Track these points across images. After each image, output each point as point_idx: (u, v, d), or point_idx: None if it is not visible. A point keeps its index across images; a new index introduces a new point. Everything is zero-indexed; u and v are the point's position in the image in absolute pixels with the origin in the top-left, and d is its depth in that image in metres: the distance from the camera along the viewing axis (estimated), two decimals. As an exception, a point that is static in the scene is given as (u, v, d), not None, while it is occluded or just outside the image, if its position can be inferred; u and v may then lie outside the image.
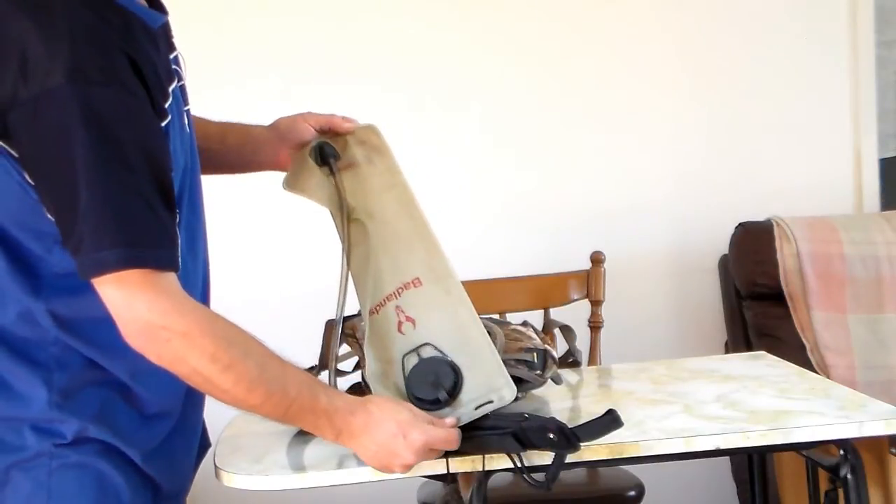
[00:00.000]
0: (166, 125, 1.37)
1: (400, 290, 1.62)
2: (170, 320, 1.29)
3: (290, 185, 1.70)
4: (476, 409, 1.55)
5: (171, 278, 1.31)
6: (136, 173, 1.28)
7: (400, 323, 1.60)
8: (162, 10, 1.46)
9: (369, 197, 1.67)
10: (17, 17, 1.27)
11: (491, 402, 1.55)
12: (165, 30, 1.46)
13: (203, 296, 1.54)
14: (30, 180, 1.30)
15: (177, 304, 1.30)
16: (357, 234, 1.65)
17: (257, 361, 1.35)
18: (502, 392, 1.56)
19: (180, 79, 1.47)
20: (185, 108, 1.49)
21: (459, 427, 1.53)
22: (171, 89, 1.40)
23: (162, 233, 1.31)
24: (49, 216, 1.31)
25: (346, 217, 1.64)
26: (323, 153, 1.67)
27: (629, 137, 3.16)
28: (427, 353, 1.58)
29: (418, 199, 1.67)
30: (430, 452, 1.48)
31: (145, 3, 1.42)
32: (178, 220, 1.40)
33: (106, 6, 1.32)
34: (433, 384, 1.55)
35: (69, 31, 1.26)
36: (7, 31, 1.28)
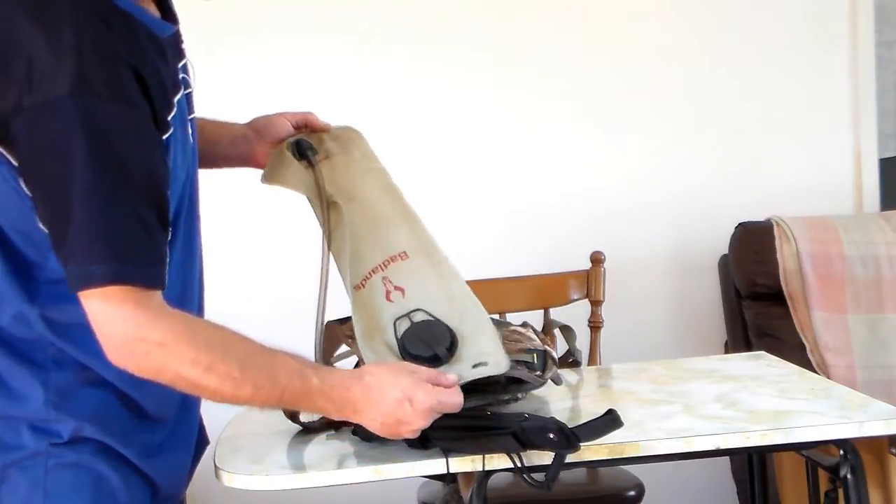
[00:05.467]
0: (168, 138, 1.37)
1: (386, 263, 1.63)
2: (145, 332, 1.30)
3: (268, 177, 1.71)
4: (473, 367, 1.56)
5: (153, 295, 1.31)
6: (133, 189, 1.29)
7: (388, 292, 1.61)
8: (172, 20, 1.47)
9: (349, 181, 1.68)
10: (27, 25, 1.28)
11: (486, 363, 1.56)
12: (175, 38, 1.46)
13: (199, 304, 1.55)
14: (25, 188, 1.30)
15: (152, 315, 1.30)
16: (335, 218, 1.66)
17: (240, 358, 1.35)
18: (497, 358, 1.57)
19: (187, 86, 1.48)
20: (190, 118, 1.49)
21: (458, 427, 1.53)
22: (175, 99, 1.40)
23: (152, 251, 1.31)
24: (41, 225, 1.31)
25: (326, 203, 1.65)
26: (301, 147, 1.69)
27: (629, 137, 3.16)
28: (419, 317, 1.59)
29: (397, 184, 1.69)
30: (437, 414, 1.47)
31: (156, 13, 1.43)
32: (174, 232, 1.42)
33: (115, 16, 1.32)
34: (429, 343, 1.56)
35: (77, 43, 1.26)
36: (16, 39, 1.28)
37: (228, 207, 2.81)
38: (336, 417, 1.46)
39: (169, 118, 1.38)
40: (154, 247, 1.31)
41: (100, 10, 1.31)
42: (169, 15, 1.47)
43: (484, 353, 1.57)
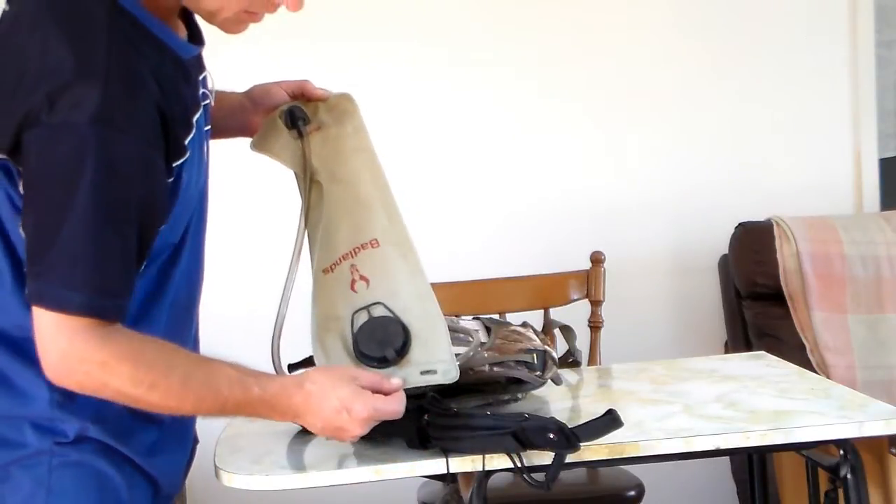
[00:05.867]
0: (182, 163, 1.38)
1: (357, 250, 1.63)
2: (89, 354, 1.30)
3: (257, 145, 1.71)
4: (422, 374, 1.57)
5: (110, 323, 1.32)
6: (126, 223, 1.30)
7: (353, 281, 1.62)
8: (199, 41, 1.48)
9: (336, 159, 1.68)
10: (58, 46, 1.28)
11: (435, 372, 1.57)
12: (198, 56, 1.48)
13: (196, 312, 1.57)
14: (21, 192, 1.31)
15: (100, 339, 1.30)
16: (315, 197, 1.67)
17: (181, 373, 1.36)
18: (447, 366, 1.58)
19: (206, 98, 1.49)
20: (206, 129, 1.51)
21: (458, 427, 1.53)
22: (195, 119, 1.42)
23: (127, 285, 1.32)
24: (21, 231, 1.31)
25: (309, 179, 1.66)
26: (293, 116, 1.69)
27: (629, 137, 3.16)
28: (378, 311, 1.60)
29: (384, 167, 1.69)
30: (376, 422, 1.49)
31: (184, 32, 1.45)
32: (182, 244, 1.45)
33: (144, 40, 1.34)
34: (381, 342, 1.57)
35: (106, 71, 1.27)
36: (47, 54, 1.28)
37: (225, 208, 2.80)
38: (279, 421, 1.49)
39: (186, 141, 1.39)
40: (129, 281, 1.33)
41: (132, 37, 1.32)
42: (196, 34, 1.49)
43: (435, 361, 1.58)
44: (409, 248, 1.63)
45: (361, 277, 1.62)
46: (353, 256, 1.63)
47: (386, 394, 1.50)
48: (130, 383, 1.32)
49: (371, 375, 1.52)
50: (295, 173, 1.68)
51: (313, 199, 1.66)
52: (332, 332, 1.61)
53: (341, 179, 1.66)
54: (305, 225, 1.65)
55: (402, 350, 1.57)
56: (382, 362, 1.57)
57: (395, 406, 1.50)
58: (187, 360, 1.39)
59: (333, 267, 1.63)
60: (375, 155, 1.69)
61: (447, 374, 1.58)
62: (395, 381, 1.52)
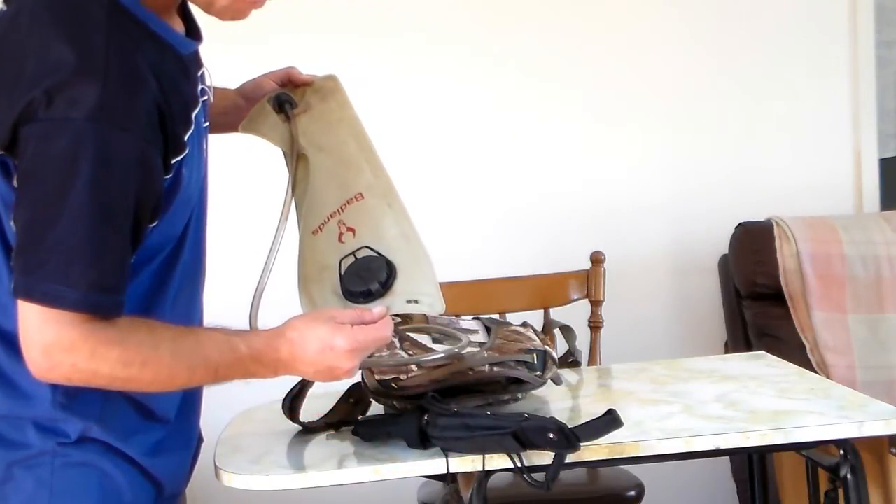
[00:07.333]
0: (181, 160, 1.38)
1: (343, 207, 1.66)
2: (77, 344, 1.29)
3: (245, 127, 1.75)
4: (407, 302, 1.59)
5: (101, 320, 1.31)
6: (123, 221, 1.30)
7: (341, 234, 1.65)
8: (197, 37, 1.48)
9: (322, 132, 1.71)
10: (59, 42, 1.28)
11: (420, 302, 1.59)
12: (196, 51, 1.48)
13: (199, 304, 1.57)
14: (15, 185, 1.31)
15: (87, 329, 1.29)
16: (302, 171, 1.70)
17: (169, 347, 1.35)
18: (433, 299, 1.60)
19: (204, 94, 1.50)
20: (205, 125, 1.51)
21: (458, 427, 1.53)
22: (193, 115, 1.42)
23: (123, 281, 1.32)
24: (11, 223, 1.31)
25: (296, 156, 1.69)
26: (279, 101, 1.73)
27: (629, 137, 3.16)
28: (363, 254, 1.62)
29: (367, 130, 1.73)
30: (364, 351, 1.48)
31: (182, 28, 1.45)
32: (183, 238, 1.45)
33: (144, 37, 1.34)
34: (365, 278, 1.59)
35: (105, 69, 1.27)
36: (46, 52, 1.28)
37: (225, 201, 2.81)
38: (273, 377, 1.47)
39: (186, 137, 1.39)
40: (124, 277, 1.32)
41: (131, 33, 1.33)
42: (193, 29, 1.49)
43: (421, 293, 1.60)
44: (394, 197, 1.67)
45: (349, 229, 1.65)
46: (340, 213, 1.66)
47: (369, 324, 1.48)
48: (122, 365, 1.31)
49: (351, 311, 1.50)
50: (283, 151, 1.72)
51: (300, 174, 1.69)
52: (320, 282, 1.63)
53: (327, 148, 1.70)
54: (293, 193, 1.68)
55: (387, 283, 1.59)
56: (367, 296, 1.58)
57: (379, 333, 1.47)
58: (173, 332, 1.38)
59: (322, 227, 1.66)
60: (360, 122, 1.73)
61: (433, 306, 1.59)
62: (378, 310, 1.50)
